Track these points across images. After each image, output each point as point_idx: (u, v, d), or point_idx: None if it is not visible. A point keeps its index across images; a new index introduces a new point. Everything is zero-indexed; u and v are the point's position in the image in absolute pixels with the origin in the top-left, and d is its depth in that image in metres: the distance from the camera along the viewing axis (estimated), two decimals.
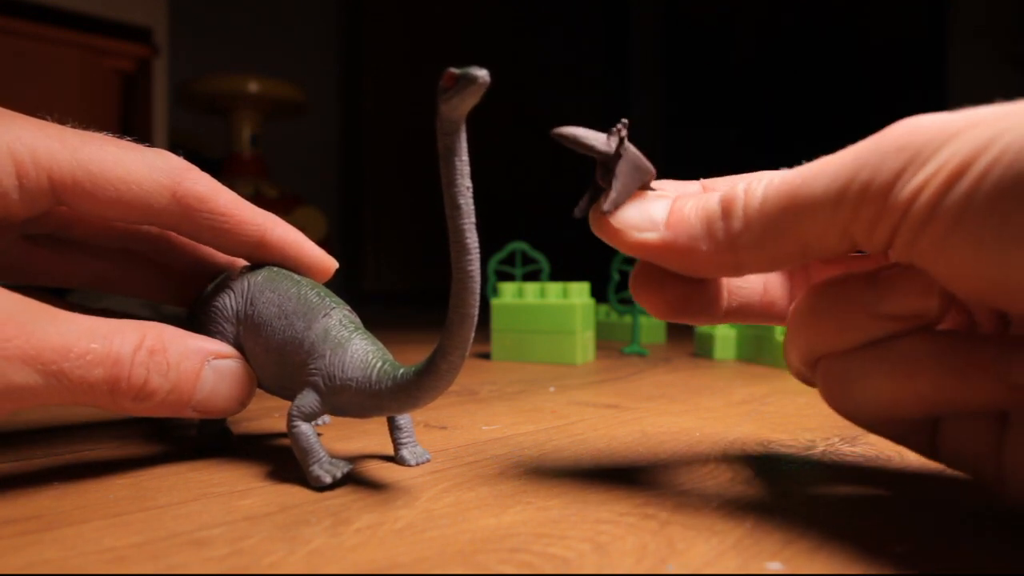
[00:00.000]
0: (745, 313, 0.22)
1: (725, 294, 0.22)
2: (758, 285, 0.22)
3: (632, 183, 0.19)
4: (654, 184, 0.21)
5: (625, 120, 0.19)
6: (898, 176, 0.15)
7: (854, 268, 0.20)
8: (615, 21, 2.67)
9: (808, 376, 0.20)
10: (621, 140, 0.19)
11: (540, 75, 2.42)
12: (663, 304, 0.21)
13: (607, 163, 0.19)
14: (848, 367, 0.18)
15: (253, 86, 1.56)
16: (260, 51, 1.97)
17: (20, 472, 0.23)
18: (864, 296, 0.17)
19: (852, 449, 0.27)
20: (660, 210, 0.19)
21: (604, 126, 0.20)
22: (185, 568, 0.15)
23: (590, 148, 0.19)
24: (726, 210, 0.18)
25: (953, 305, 0.17)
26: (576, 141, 0.19)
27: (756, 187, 0.18)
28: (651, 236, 0.19)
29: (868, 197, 0.15)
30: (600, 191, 0.20)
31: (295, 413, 0.22)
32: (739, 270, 0.18)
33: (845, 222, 0.16)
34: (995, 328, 0.19)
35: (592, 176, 0.20)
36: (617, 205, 0.19)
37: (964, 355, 0.17)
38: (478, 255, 0.17)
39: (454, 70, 0.16)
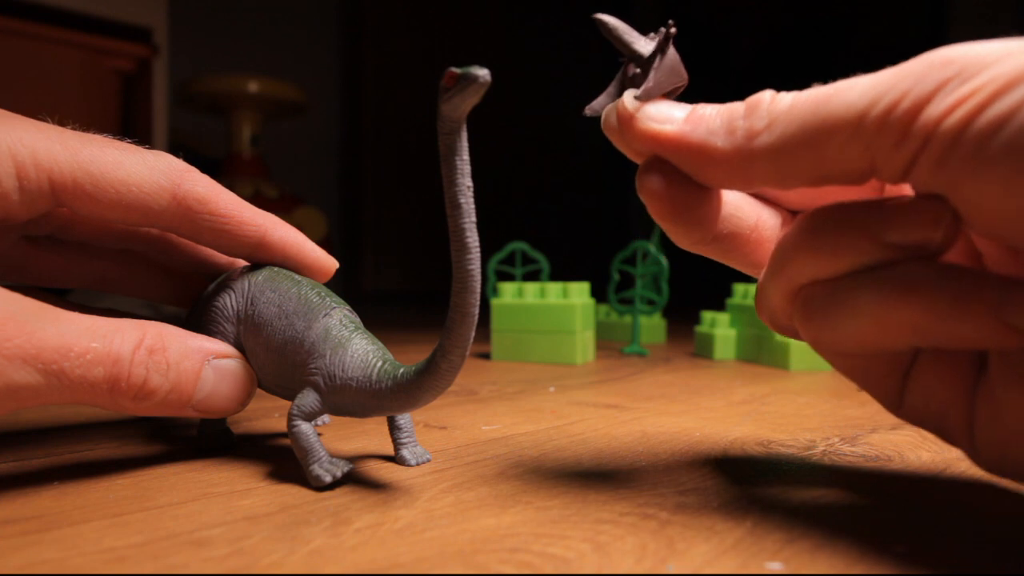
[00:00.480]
0: (732, 243, 0.21)
1: (722, 214, 0.21)
2: (751, 217, 0.21)
3: (666, 83, 0.19)
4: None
5: (672, 24, 0.19)
6: (934, 92, 0.14)
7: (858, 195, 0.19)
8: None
9: (782, 320, 0.19)
10: (668, 38, 0.18)
11: (540, 75, 2.42)
12: (664, 201, 0.19)
13: (638, 65, 0.19)
14: (835, 290, 0.17)
15: (253, 86, 1.56)
16: (260, 51, 1.97)
17: (20, 472, 0.23)
18: (869, 220, 0.17)
19: (852, 449, 0.27)
20: (681, 108, 0.19)
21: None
22: (185, 568, 0.15)
23: (627, 44, 0.19)
24: (750, 109, 0.17)
25: (958, 241, 0.17)
26: (615, 33, 0.18)
27: (784, 95, 0.17)
28: (668, 127, 0.18)
29: (900, 111, 0.15)
30: (622, 91, 0.20)
31: (295, 412, 0.22)
32: (749, 177, 0.18)
33: (869, 136, 0.15)
34: (1004, 270, 0.18)
35: (616, 79, 0.20)
36: (649, 97, 0.19)
37: (963, 285, 0.16)
38: (479, 254, 0.17)
39: (455, 69, 0.16)
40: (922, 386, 0.18)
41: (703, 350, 0.64)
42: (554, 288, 0.58)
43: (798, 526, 0.18)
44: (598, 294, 0.73)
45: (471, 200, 0.17)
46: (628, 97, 0.19)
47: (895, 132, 0.15)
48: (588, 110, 0.20)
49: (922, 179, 0.15)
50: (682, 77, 0.19)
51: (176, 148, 0.26)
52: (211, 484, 0.22)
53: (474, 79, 0.16)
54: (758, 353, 0.58)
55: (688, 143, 0.18)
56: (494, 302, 0.59)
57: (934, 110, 0.14)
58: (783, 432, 0.30)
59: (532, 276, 0.70)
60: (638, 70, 0.19)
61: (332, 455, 0.22)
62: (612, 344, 0.74)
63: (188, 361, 0.21)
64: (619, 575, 0.15)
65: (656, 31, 0.19)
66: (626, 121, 0.19)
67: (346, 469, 0.21)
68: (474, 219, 0.17)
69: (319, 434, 0.23)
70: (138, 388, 0.20)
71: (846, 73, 0.17)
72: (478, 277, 0.18)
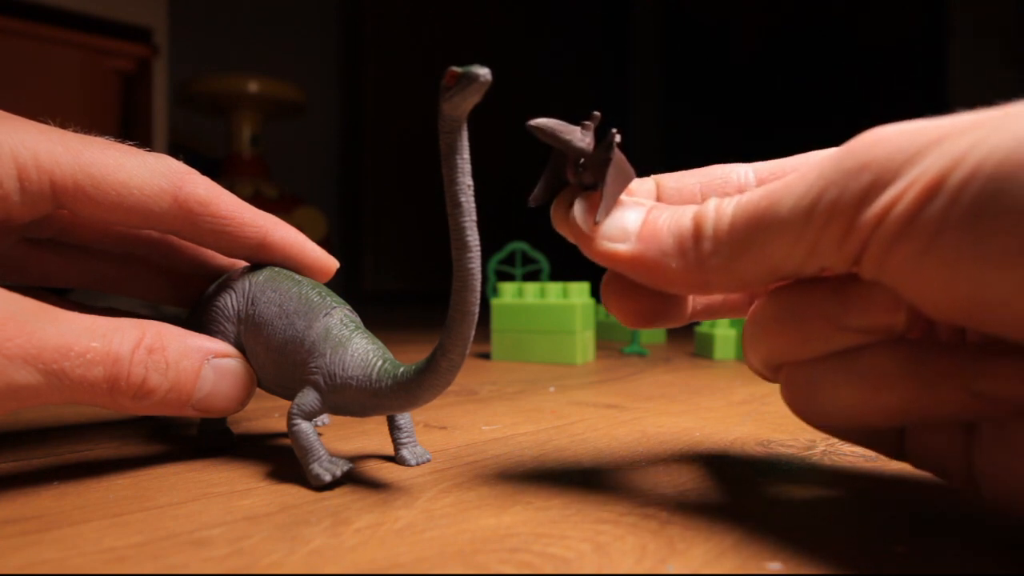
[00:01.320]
0: (710, 312, 0.22)
1: (690, 299, 0.22)
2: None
3: (620, 188, 0.19)
4: None
5: (597, 114, 0.19)
6: (865, 194, 0.14)
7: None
8: (615, 20, 2.67)
9: (769, 376, 0.20)
10: (611, 144, 0.18)
11: (540, 74, 2.42)
12: (632, 313, 0.21)
13: (579, 159, 0.19)
14: (811, 377, 0.18)
15: (253, 86, 1.56)
16: (260, 51, 1.97)
17: (20, 472, 0.23)
18: (828, 307, 0.17)
19: (852, 449, 0.27)
20: (633, 221, 0.19)
21: (605, 126, 0.20)
22: (185, 568, 0.15)
23: (566, 143, 0.19)
24: (697, 229, 0.18)
25: (919, 317, 0.17)
26: (551, 135, 0.19)
27: (726, 208, 0.17)
28: (622, 248, 0.19)
29: (835, 216, 0.15)
30: (563, 183, 0.20)
31: (295, 411, 0.22)
32: (707, 289, 0.18)
33: (812, 241, 0.16)
34: (953, 335, 0.19)
35: (549, 165, 0.20)
36: (609, 213, 0.19)
37: (929, 366, 0.16)
38: (479, 253, 0.18)
39: (456, 69, 0.16)
40: (918, 444, 0.19)
41: (703, 350, 0.64)
42: (554, 288, 0.58)
43: (798, 526, 0.18)
44: (598, 294, 0.73)
45: (472, 198, 0.17)
46: (581, 216, 0.19)
47: (834, 238, 0.15)
48: (532, 201, 0.21)
49: (870, 272, 0.15)
50: (631, 175, 0.20)
51: (176, 148, 0.26)
52: (211, 484, 0.22)
53: (475, 78, 0.16)
54: None
55: (643, 263, 0.19)
56: (494, 302, 0.59)
57: (869, 213, 0.14)
58: (783, 432, 0.30)
59: (532, 276, 0.70)
60: (581, 160, 0.19)
61: (332, 454, 0.22)
62: (612, 344, 0.73)
63: (187, 360, 0.21)
64: (619, 575, 0.15)
65: (585, 121, 0.19)
66: (585, 242, 0.19)
67: (346, 468, 0.21)
68: (475, 217, 0.17)
69: (319, 434, 0.23)
70: (137, 387, 0.20)
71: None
72: (478, 275, 0.18)
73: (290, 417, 0.22)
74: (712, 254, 0.17)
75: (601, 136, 0.19)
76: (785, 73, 2.27)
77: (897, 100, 2.02)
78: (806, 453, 0.26)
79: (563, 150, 0.19)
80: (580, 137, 0.19)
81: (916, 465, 0.19)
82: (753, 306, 0.20)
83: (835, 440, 0.28)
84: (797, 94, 2.25)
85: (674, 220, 0.18)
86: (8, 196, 0.20)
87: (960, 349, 0.16)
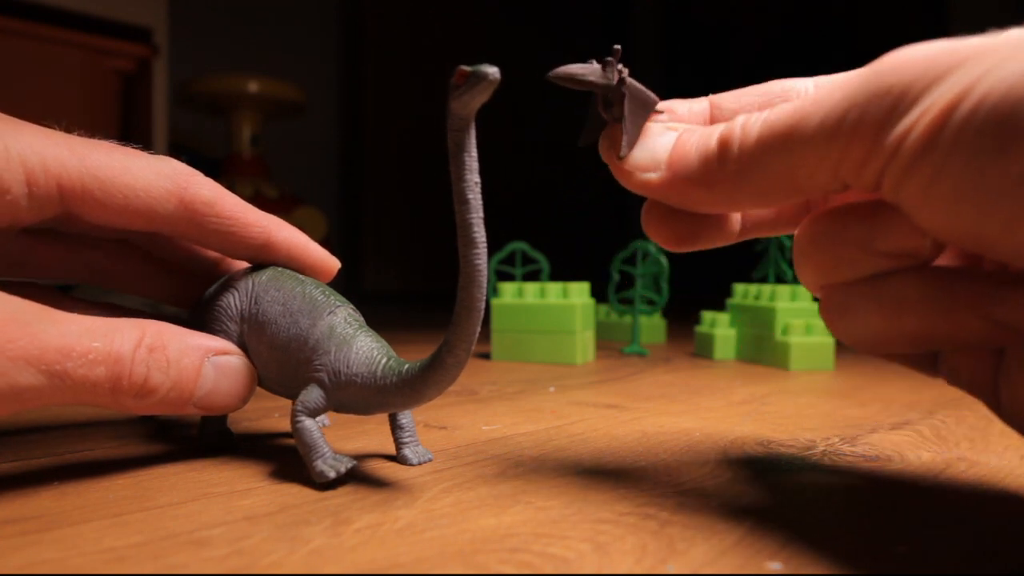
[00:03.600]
0: (761, 228, 0.22)
1: (737, 217, 0.22)
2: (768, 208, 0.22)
3: (640, 119, 0.20)
4: (663, 105, 0.21)
5: (617, 47, 0.19)
6: (887, 117, 0.15)
7: (850, 198, 0.20)
8: (615, 20, 2.67)
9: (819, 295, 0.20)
10: (622, 80, 0.19)
11: (540, 74, 2.42)
12: (673, 237, 0.21)
13: (607, 94, 0.19)
14: (845, 299, 0.18)
15: (253, 86, 1.56)
16: (260, 51, 1.97)
17: (20, 472, 0.23)
18: (859, 232, 0.17)
19: (852, 449, 0.27)
20: (663, 147, 0.19)
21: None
22: (185, 568, 0.15)
23: (589, 84, 0.19)
24: (722, 148, 0.18)
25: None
26: (572, 79, 0.19)
27: (752, 125, 0.18)
28: (653, 176, 0.19)
29: (858, 137, 0.15)
30: (602, 121, 0.20)
31: (299, 409, 0.22)
32: (735, 206, 0.19)
33: (836, 161, 0.16)
34: (995, 265, 0.19)
35: (591, 107, 0.20)
36: (632, 146, 0.20)
37: (951, 293, 0.16)
38: (486, 249, 0.18)
39: (465, 68, 0.16)
40: (949, 366, 0.19)
41: (703, 350, 0.64)
42: (554, 288, 0.58)
43: (798, 526, 0.18)
44: (598, 294, 0.73)
45: (479, 196, 0.17)
46: (605, 151, 0.20)
47: (856, 158, 0.15)
48: (581, 142, 0.21)
49: (889, 196, 0.16)
50: (652, 102, 0.20)
51: (176, 148, 0.26)
52: (211, 484, 0.22)
53: (484, 77, 0.16)
54: (758, 353, 0.58)
55: (674, 188, 0.19)
56: (494, 302, 0.59)
57: (890, 135, 0.15)
58: (783, 432, 0.30)
59: (532, 276, 0.70)
60: (608, 96, 0.20)
61: (335, 452, 0.22)
62: (612, 344, 0.73)
63: (188, 358, 0.21)
64: (619, 575, 0.15)
65: (607, 58, 0.19)
66: (624, 177, 0.20)
67: (349, 465, 0.21)
68: (481, 214, 0.18)
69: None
70: (139, 386, 0.20)
71: (845, 67, 0.17)
72: (485, 272, 0.18)
73: (294, 414, 0.22)
74: (736, 171, 0.18)
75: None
76: (785, 74, 2.26)
77: None
78: (806, 453, 0.26)
79: (589, 90, 0.19)
80: (602, 74, 0.19)
81: (950, 383, 0.19)
82: (797, 231, 0.20)
83: (835, 440, 0.28)
84: None
85: (702, 140, 0.19)
86: (16, 201, 0.20)
87: (983, 277, 0.16)
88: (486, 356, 0.61)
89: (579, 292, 0.58)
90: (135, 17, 1.33)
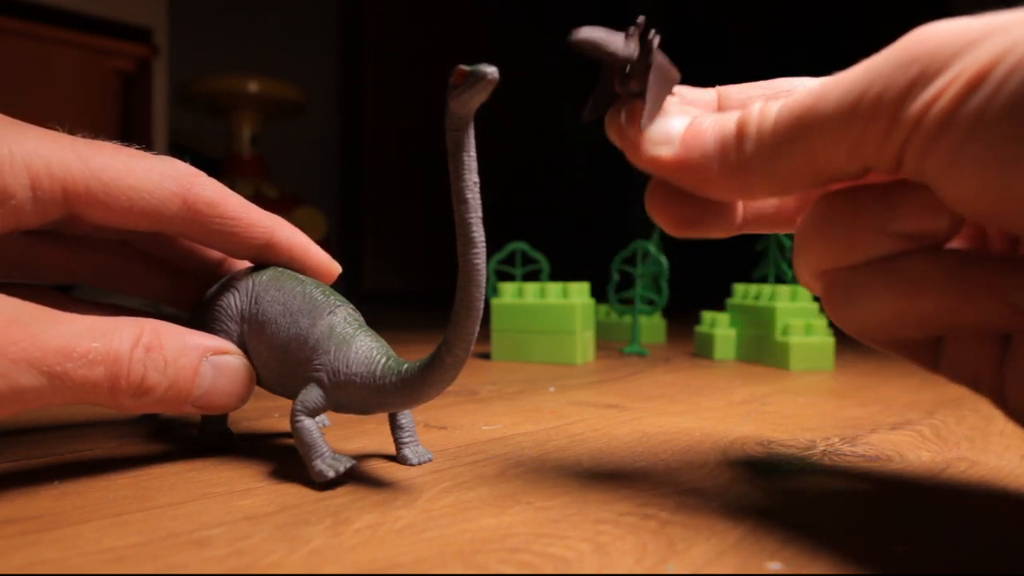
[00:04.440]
0: (761, 223, 0.22)
1: (740, 206, 0.21)
2: (771, 200, 0.22)
3: (664, 92, 0.19)
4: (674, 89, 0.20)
5: (642, 17, 0.18)
6: (910, 87, 0.14)
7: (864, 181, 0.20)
8: (615, 20, 2.67)
9: (816, 288, 0.20)
10: (649, 50, 0.18)
11: (539, 74, 2.42)
12: (677, 220, 0.20)
13: (625, 67, 0.19)
14: (852, 282, 0.18)
15: (253, 86, 1.56)
16: (260, 51, 1.97)
17: (20, 472, 0.23)
18: (874, 212, 0.17)
19: (852, 449, 0.27)
20: (679, 126, 0.19)
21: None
22: (185, 568, 0.15)
23: (610, 54, 0.18)
24: (740, 131, 0.18)
25: (964, 223, 0.17)
26: (594, 47, 0.18)
27: (770, 108, 0.17)
28: (666, 152, 0.19)
29: (880, 110, 0.15)
30: (613, 95, 0.20)
31: (299, 408, 0.22)
32: (749, 193, 0.18)
33: (856, 138, 0.15)
34: (1006, 248, 0.19)
35: (600, 79, 0.20)
36: (653, 119, 0.19)
37: (969, 275, 0.16)
38: (484, 248, 0.18)
39: (464, 67, 0.16)
40: (952, 358, 0.19)
41: (703, 350, 0.64)
42: (554, 288, 0.58)
43: (798, 526, 0.18)
44: (598, 294, 0.73)
45: (478, 195, 0.17)
46: (627, 123, 0.19)
47: (878, 132, 0.15)
48: (585, 116, 0.21)
49: (912, 171, 0.15)
50: (675, 77, 0.19)
51: (176, 148, 0.26)
52: (211, 484, 0.22)
53: (483, 76, 0.16)
54: (758, 353, 0.58)
55: (686, 167, 0.19)
56: (494, 302, 0.59)
57: (913, 106, 0.14)
58: (783, 432, 0.30)
59: (532, 276, 0.70)
60: (627, 69, 0.19)
61: (335, 451, 0.22)
62: (612, 344, 0.73)
63: (186, 358, 0.21)
64: (619, 575, 0.15)
65: (630, 28, 0.18)
66: (631, 149, 0.19)
67: (348, 465, 0.21)
68: (480, 214, 0.18)
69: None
70: (136, 386, 0.20)
71: (845, 67, 0.17)
72: (484, 271, 0.18)
73: (293, 414, 0.22)
74: (754, 155, 0.17)
75: (645, 42, 0.18)
76: (786, 73, 2.26)
77: None
78: (806, 453, 0.26)
79: (607, 60, 0.19)
80: (624, 45, 0.18)
81: (950, 378, 0.19)
82: (802, 215, 0.19)
83: (835, 440, 0.28)
84: None
85: (718, 124, 0.18)
86: (21, 206, 0.20)
87: (1002, 260, 0.16)
88: (486, 356, 0.61)
89: (579, 292, 0.58)
90: (135, 17, 1.33)
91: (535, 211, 2.40)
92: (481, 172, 0.18)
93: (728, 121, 0.18)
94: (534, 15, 2.43)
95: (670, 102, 0.20)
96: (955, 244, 0.19)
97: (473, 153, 0.17)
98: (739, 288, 0.64)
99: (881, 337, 0.18)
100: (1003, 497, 0.21)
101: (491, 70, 0.16)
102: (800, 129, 0.16)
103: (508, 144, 2.32)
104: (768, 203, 0.22)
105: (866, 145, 0.15)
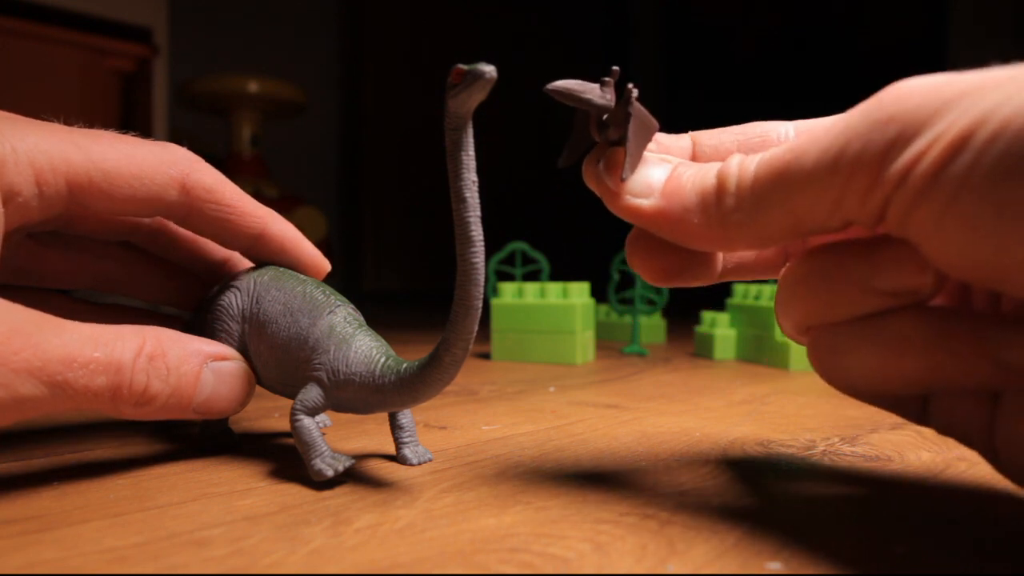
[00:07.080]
0: (741, 272, 0.22)
1: (720, 256, 0.21)
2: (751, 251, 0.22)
3: (644, 142, 0.19)
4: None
5: (616, 68, 0.19)
6: (890, 147, 0.14)
7: (847, 236, 0.20)
8: (615, 20, 2.67)
9: (800, 340, 0.20)
10: (629, 100, 0.18)
11: (540, 74, 2.42)
12: (657, 270, 0.21)
13: (601, 115, 0.19)
14: (837, 340, 0.18)
15: (253, 86, 1.56)
16: (260, 51, 1.97)
17: (20, 472, 0.23)
18: (856, 269, 0.17)
19: (852, 449, 0.27)
20: (658, 177, 0.19)
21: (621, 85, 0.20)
22: (185, 568, 0.15)
23: (587, 103, 0.19)
24: (720, 186, 0.18)
25: (947, 280, 0.17)
26: (571, 96, 0.19)
27: (749, 164, 0.17)
28: (645, 203, 0.19)
29: (860, 168, 0.15)
30: (591, 142, 0.20)
31: (298, 407, 0.22)
32: (729, 246, 0.18)
33: (837, 195, 0.15)
34: (987, 305, 0.18)
35: (575, 126, 0.20)
36: (633, 170, 0.19)
37: (954, 334, 0.16)
38: (483, 248, 0.18)
39: (462, 66, 0.16)
40: (941, 414, 0.18)
41: (703, 350, 0.64)
42: (554, 288, 0.58)
43: (798, 526, 0.18)
44: (598, 294, 0.73)
45: (476, 194, 0.17)
46: (607, 172, 0.19)
47: (859, 190, 0.15)
48: (560, 163, 0.21)
49: (895, 228, 0.15)
50: (654, 127, 0.20)
51: (180, 141, 0.27)
52: (211, 484, 0.22)
53: (481, 75, 0.16)
54: (758, 353, 0.58)
55: (666, 218, 0.19)
56: (494, 302, 0.59)
57: (895, 166, 0.14)
58: (783, 432, 0.30)
59: (532, 276, 0.70)
60: (604, 117, 0.19)
61: (334, 451, 0.22)
62: (612, 344, 0.73)
63: (187, 365, 0.21)
64: (619, 575, 0.15)
65: (605, 78, 0.19)
66: (611, 198, 0.19)
67: (348, 464, 0.21)
68: (479, 213, 0.18)
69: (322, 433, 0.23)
70: (139, 395, 0.20)
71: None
72: (482, 270, 0.18)
73: (293, 413, 0.22)
74: (734, 210, 0.17)
75: (621, 91, 0.19)
76: (786, 74, 2.27)
77: None
78: (806, 453, 0.26)
79: (585, 109, 0.19)
80: (600, 94, 0.19)
81: (940, 431, 0.19)
82: (785, 268, 0.19)
83: (835, 440, 0.28)
84: (798, 95, 2.25)
85: (698, 176, 0.18)
86: (28, 203, 0.20)
87: (987, 318, 0.16)
88: (486, 356, 0.61)
89: (579, 292, 0.58)
90: (135, 17, 1.33)
91: (535, 211, 2.40)
92: (480, 172, 0.18)
93: (708, 175, 0.18)
94: (534, 16, 2.43)
95: (648, 153, 0.20)
96: (938, 301, 0.19)
97: (472, 152, 0.17)
98: (739, 288, 0.64)
99: (868, 394, 0.18)
100: (1003, 497, 0.21)
101: (489, 69, 0.16)
102: (780, 186, 0.16)
103: (508, 144, 2.32)
104: (749, 253, 0.22)
105: (847, 201, 0.15)
